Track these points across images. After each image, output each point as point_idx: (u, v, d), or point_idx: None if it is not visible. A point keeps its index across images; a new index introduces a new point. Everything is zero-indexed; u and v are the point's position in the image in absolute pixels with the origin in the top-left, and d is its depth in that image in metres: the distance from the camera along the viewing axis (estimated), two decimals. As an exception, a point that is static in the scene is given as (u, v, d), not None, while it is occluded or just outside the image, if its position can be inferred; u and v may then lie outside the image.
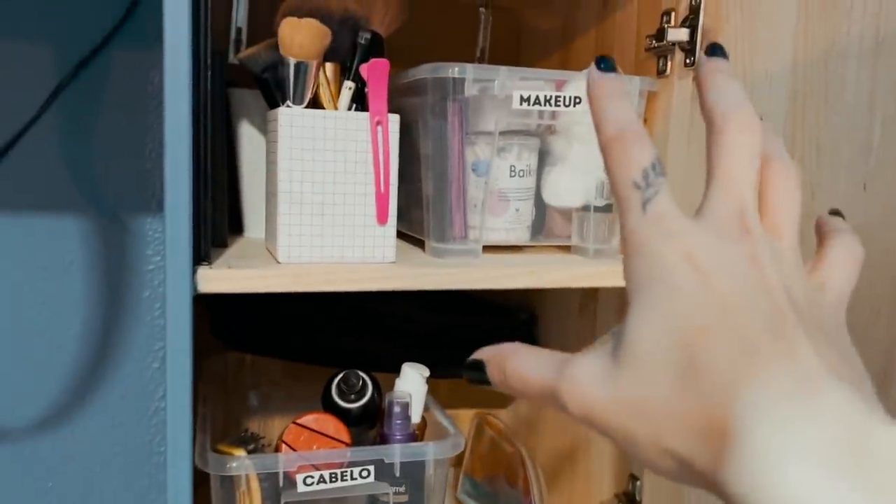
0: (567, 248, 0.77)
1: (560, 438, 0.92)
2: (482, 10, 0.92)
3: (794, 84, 0.53)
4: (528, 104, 0.68)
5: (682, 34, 0.65)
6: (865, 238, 0.48)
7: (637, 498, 0.74)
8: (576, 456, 0.88)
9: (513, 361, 0.34)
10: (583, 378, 0.30)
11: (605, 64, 0.32)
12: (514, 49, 1.04)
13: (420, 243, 0.73)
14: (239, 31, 0.73)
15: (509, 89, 0.67)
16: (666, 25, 0.67)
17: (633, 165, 0.29)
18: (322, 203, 0.62)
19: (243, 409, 0.92)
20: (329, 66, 0.64)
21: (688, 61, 0.65)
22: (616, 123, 0.30)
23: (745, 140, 0.30)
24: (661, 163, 0.30)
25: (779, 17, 0.55)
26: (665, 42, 0.66)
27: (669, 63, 0.68)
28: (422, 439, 0.78)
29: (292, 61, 0.59)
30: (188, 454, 0.57)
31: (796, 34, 0.53)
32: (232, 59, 0.70)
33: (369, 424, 0.77)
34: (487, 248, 0.72)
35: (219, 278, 0.58)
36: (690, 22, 0.64)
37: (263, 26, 0.65)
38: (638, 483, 0.75)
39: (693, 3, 0.64)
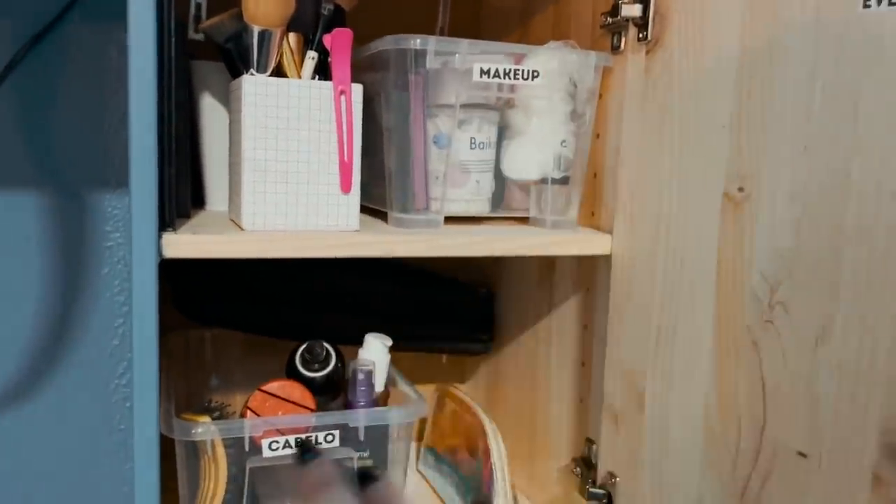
0: (526, 220, 0.79)
1: (519, 408, 0.94)
2: (442, -11, 0.93)
3: (742, 57, 0.56)
4: (489, 77, 0.69)
5: (635, 10, 0.67)
6: (806, 199, 0.51)
7: (593, 461, 0.77)
8: (535, 424, 0.91)
9: None
10: None
11: None
12: (475, 26, 1.06)
13: (383, 216, 0.74)
14: (199, 6, 0.73)
15: (470, 62, 0.69)
16: (620, 2, 0.69)
17: None
18: (286, 171, 0.63)
19: (206, 383, 0.92)
20: (292, 36, 0.65)
21: (640, 36, 0.68)
22: None
23: None
24: None
25: (727, -10, 0.57)
26: (619, 18, 0.69)
27: (624, 39, 0.70)
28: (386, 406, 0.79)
29: (256, 29, 0.60)
30: (154, 420, 0.57)
31: (743, 8, 0.56)
32: (192, 32, 0.71)
33: (334, 394, 0.78)
34: (448, 220, 0.74)
35: (184, 243, 0.58)
36: (642, -2, 0.67)
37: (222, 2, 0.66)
38: (594, 447, 0.77)
39: (645, -21, 0.67)
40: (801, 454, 0.52)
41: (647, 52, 0.67)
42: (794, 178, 0.52)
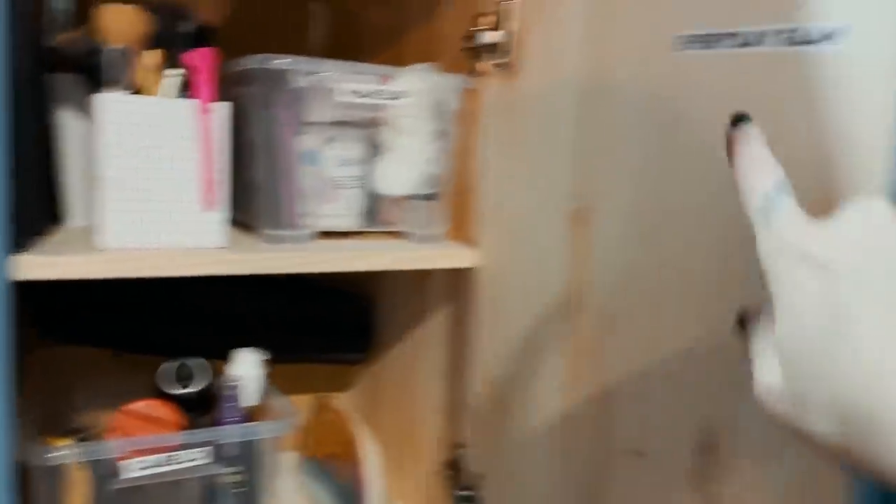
0: (397, 234, 0.82)
1: (396, 415, 0.97)
2: (313, 4, 0.95)
3: (582, 87, 0.60)
4: (356, 97, 0.71)
5: (493, 37, 0.71)
6: (638, 220, 0.55)
7: (461, 465, 0.80)
8: (410, 431, 0.93)
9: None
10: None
11: (740, 119, 0.35)
12: (348, 42, 1.07)
13: (254, 230, 0.75)
14: (58, 13, 0.71)
15: (337, 82, 0.71)
16: (479, 29, 0.72)
17: (761, 192, 0.33)
18: (148, 189, 0.63)
19: (70, 403, 0.89)
20: (154, 52, 0.64)
21: (498, 62, 0.71)
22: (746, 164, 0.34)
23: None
24: (785, 184, 0.33)
25: (569, 26, 0.62)
26: (479, 44, 0.72)
27: (484, 63, 0.74)
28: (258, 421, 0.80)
29: (112, 48, 0.59)
30: (7, 445, 0.56)
31: (582, 44, 0.60)
32: (51, 43, 0.69)
33: (204, 410, 0.78)
34: (319, 235, 0.75)
35: (38, 265, 0.57)
36: (500, 27, 0.70)
37: (85, 9, 0.65)
38: (462, 451, 0.81)
39: (502, 8, 0.70)
40: (639, 453, 0.56)
41: (505, 77, 0.71)
42: (625, 200, 0.56)
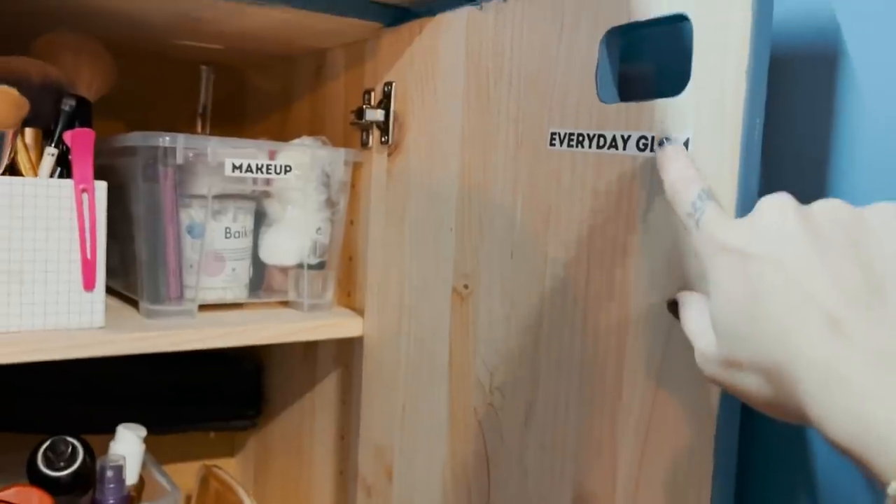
0: (286, 303, 0.82)
1: (286, 481, 0.96)
2: (203, 67, 0.95)
3: (462, 170, 0.64)
4: (241, 171, 0.72)
5: (378, 115, 0.74)
6: (514, 297, 0.59)
7: (353, 532, 0.81)
8: (299, 497, 0.92)
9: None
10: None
11: (664, 141, 0.43)
12: (238, 107, 1.08)
13: (137, 303, 0.73)
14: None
15: (222, 157, 0.71)
16: (365, 106, 0.75)
17: (689, 199, 0.40)
18: (21, 271, 0.61)
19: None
20: (29, 131, 0.63)
21: (383, 139, 0.74)
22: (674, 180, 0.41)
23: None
24: (708, 191, 0.39)
25: (449, 112, 0.65)
26: (364, 120, 0.75)
27: (371, 137, 0.76)
28: (139, 500, 0.77)
29: (-15, 130, 0.58)
30: None
31: (463, 127, 0.64)
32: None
33: (81, 492, 0.75)
34: (205, 307, 0.75)
35: None
36: (384, 105, 0.73)
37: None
38: (354, 518, 0.81)
39: (386, 88, 0.73)
40: (519, 521, 0.59)
41: (389, 154, 0.74)
42: (503, 279, 0.60)
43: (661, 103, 0.45)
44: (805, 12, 0.50)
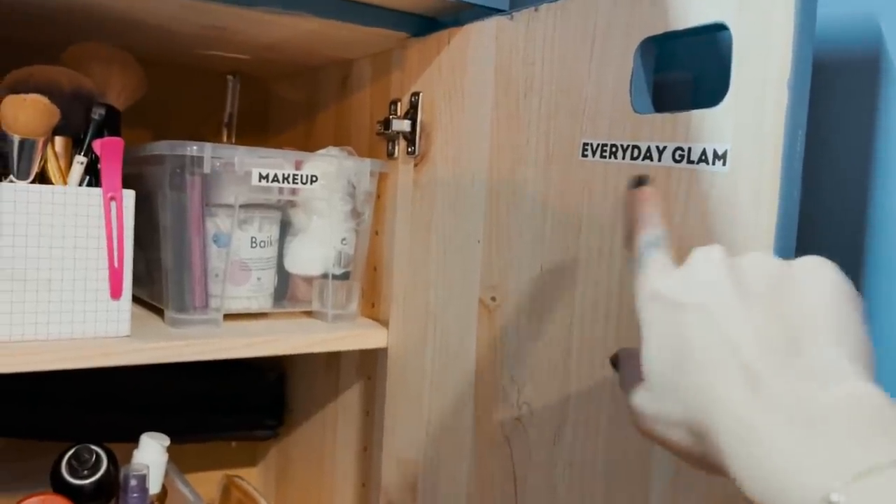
0: (310, 313, 0.82)
1: (307, 492, 0.95)
2: (230, 77, 0.95)
3: (490, 182, 0.63)
4: (268, 181, 0.72)
5: (404, 125, 0.73)
6: (543, 312, 0.58)
7: (375, 546, 0.80)
8: (322, 510, 0.92)
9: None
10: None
11: (641, 181, 0.41)
12: (263, 116, 1.08)
13: (162, 311, 0.73)
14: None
15: (249, 166, 0.71)
16: (392, 116, 0.75)
17: (639, 244, 0.39)
18: (49, 279, 0.61)
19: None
20: (60, 139, 0.63)
21: (409, 150, 0.73)
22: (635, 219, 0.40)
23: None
24: (659, 239, 0.38)
25: (477, 122, 0.64)
26: (391, 130, 0.74)
27: (397, 148, 0.76)
28: (161, 510, 0.77)
29: (16, 138, 0.58)
30: None
31: (491, 142, 0.63)
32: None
33: (104, 500, 0.75)
34: (230, 316, 0.74)
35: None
36: (411, 115, 0.73)
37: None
38: (376, 531, 0.80)
39: (413, 99, 0.73)
40: (546, 538, 0.58)
41: (416, 165, 0.73)
42: (532, 292, 0.59)
43: (699, 114, 0.44)
44: (845, 15, 0.49)
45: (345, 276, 0.80)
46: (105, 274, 0.63)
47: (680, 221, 0.46)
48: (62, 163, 0.63)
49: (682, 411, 0.33)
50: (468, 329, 0.66)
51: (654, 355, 0.35)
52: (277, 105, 1.06)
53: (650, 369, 0.35)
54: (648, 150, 0.48)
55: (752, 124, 0.41)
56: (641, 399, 0.37)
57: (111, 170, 0.63)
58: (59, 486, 0.72)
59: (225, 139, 0.94)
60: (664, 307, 0.35)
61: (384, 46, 0.79)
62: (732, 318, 0.32)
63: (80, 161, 0.63)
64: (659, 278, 0.36)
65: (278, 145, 1.01)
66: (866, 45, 0.48)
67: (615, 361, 0.43)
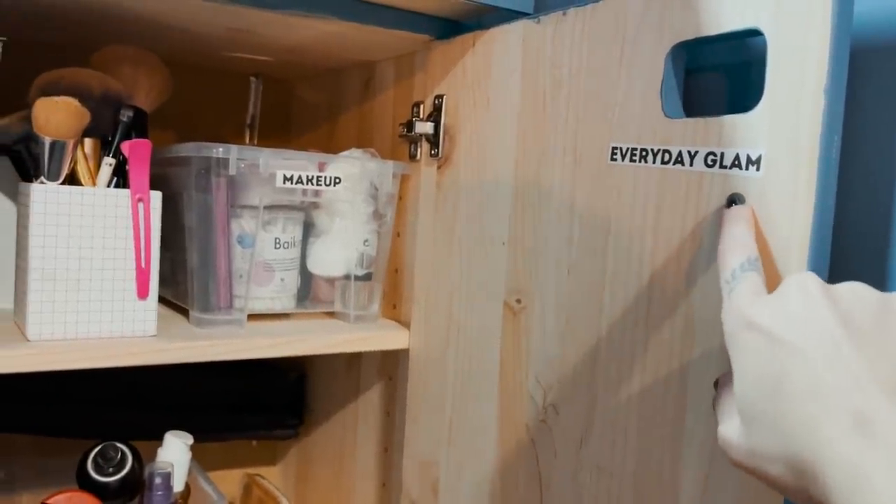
0: (332, 314, 0.82)
1: (327, 491, 0.96)
2: (252, 78, 0.95)
3: (516, 185, 0.63)
4: (292, 183, 0.72)
5: (427, 128, 0.73)
6: (569, 315, 0.58)
7: (396, 546, 0.80)
8: (342, 509, 0.92)
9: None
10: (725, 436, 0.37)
11: (735, 200, 0.42)
12: (285, 118, 1.08)
13: (187, 311, 0.74)
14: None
15: (273, 168, 0.71)
16: (415, 119, 0.75)
17: (731, 265, 0.38)
18: (78, 279, 0.61)
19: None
20: (89, 141, 0.64)
21: (432, 152, 0.74)
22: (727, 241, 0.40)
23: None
24: (752, 262, 0.38)
25: (502, 126, 0.65)
26: (413, 133, 0.74)
27: (420, 150, 0.76)
28: (185, 508, 0.78)
29: (47, 140, 0.59)
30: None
31: (517, 144, 0.63)
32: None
33: (129, 497, 0.75)
34: (253, 317, 0.75)
35: (-41, 361, 0.55)
36: (434, 118, 0.73)
37: (14, 85, 0.64)
38: (397, 532, 0.81)
39: (436, 101, 0.73)
40: (571, 542, 0.58)
41: (439, 167, 0.73)
42: (558, 295, 0.59)
43: (732, 119, 0.44)
44: (879, 4, 0.48)
45: (367, 278, 0.81)
46: (132, 274, 0.64)
47: (711, 227, 0.46)
48: (91, 164, 0.64)
49: (781, 448, 0.33)
50: (492, 331, 0.66)
51: (749, 389, 0.34)
52: (299, 107, 1.07)
53: (745, 402, 0.35)
54: (679, 154, 0.48)
55: (787, 130, 0.41)
56: (732, 431, 0.36)
57: (139, 171, 0.63)
58: (86, 483, 0.72)
59: (247, 141, 0.94)
60: (761, 340, 0.34)
61: (407, 49, 0.79)
62: (838, 360, 0.31)
63: (108, 163, 0.64)
64: (753, 306, 0.36)
65: (300, 147, 1.01)
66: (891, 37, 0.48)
67: (716, 384, 0.43)
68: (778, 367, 0.33)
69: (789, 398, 0.32)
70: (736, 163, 0.44)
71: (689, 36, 0.47)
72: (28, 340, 0.60)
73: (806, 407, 0.31)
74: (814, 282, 0.34)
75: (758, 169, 0.42)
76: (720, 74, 0.55)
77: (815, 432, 0.31)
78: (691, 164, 0.47)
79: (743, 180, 0.43)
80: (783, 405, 0.32)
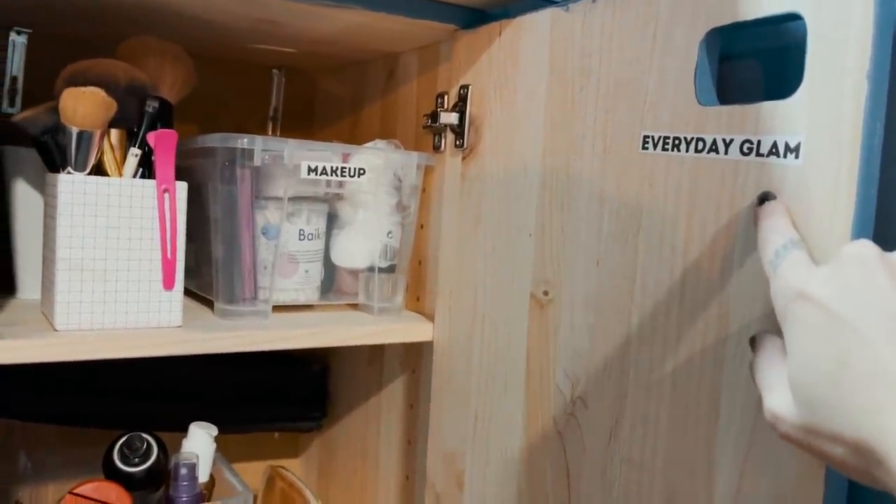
0: (356, 306, 0.82)
1: (350, 484, 0.96)
2: (275, 71, 0.95)
3: (544, 175, 0.62)
4: (316, 174, 0.72)
5: (452, 118, 0.73)
6: (599, 307, 0.57)
7: (420, 539, 0.80)
8: (364, 500, 0.92)
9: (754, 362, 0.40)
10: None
11: (766, 198, 0.42)
12: (308, 111, 1.08)
13: (211, 303, 0.74)
14: (14, 80, 0.70)
15: (298, 159, 0.71)
16: (439, 109, 0.74)
17: (771, 251, 0.38)
18: (104, 269, 0.62)
19: (14, 477, 0.86)
20: (115, 132, 0.64)
21: (457, 143, 0.73)
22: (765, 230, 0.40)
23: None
24: (794, 241, 0.38)
25: (529, 116, 0.64)
26: (438, 123, 0.74)
27: (444, 141, 0.76)
28: (210, 499, 0.78)
29: (74, 130, 0.59)
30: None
31: (545, 135, 0.62)
32: (6, 108, 0.68)
33: (154, 488, 0.76)
34: (278, 308, 0.75)
35: (-11, 350, 0.55)
36: (459, 108, 0.72)
37: (41, 77, 0.64)
38: (420, 524, 0.80)
39: (461, 92, 0.72)
40: (599, 536, 0.57)
41: (464, 158, 0.72)
42: (587, 287, 0.58)
43: (769, 106, 0.43)
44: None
45: (390, 270, 0.80)
46: (158, 265, 0.64)
47: (746, 217, 0.45)
48: (117, 155, 0.64)
49: (843, 431, 0.32)
50: (518, 323, 0.65)
51: (804, 366, 0.33)
52: (323, 98, 1.07)
53: (799, 382, 0.34)
54: (714, 142, 0.47)
55: (828, 116, 0.40)
56: (782, 405, 0.35)
57: (165, 162, 0.63)
58: (112, 473, 0.73)
59: (270, 132, 0.94)
60: (816, 313, 0.33)
61: (432, 39, 0.78)
62: None
63: (134, 153, 0.64)
64: (804, 276, 0.35)
65: (323, 139, 1.01)
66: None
67: (753, 342, 0.41)
68: (835, 349, 0.32)
69: (851, 383, 0.31)
70: (773, 150, 0.43)
71: (725, 21, 0.46)
72: (56, 330, 0.61)
73: (871, 394, 0.30)
74: (871, 250, 0.33)
75: (797, 157, 0.41)
76: (754, 61, 0.54)
77: (880, 420, 0.30)
78: (726, 153, 0.46)
79: (781, 168, 0.42)
80: (845, 390, 0.31)
